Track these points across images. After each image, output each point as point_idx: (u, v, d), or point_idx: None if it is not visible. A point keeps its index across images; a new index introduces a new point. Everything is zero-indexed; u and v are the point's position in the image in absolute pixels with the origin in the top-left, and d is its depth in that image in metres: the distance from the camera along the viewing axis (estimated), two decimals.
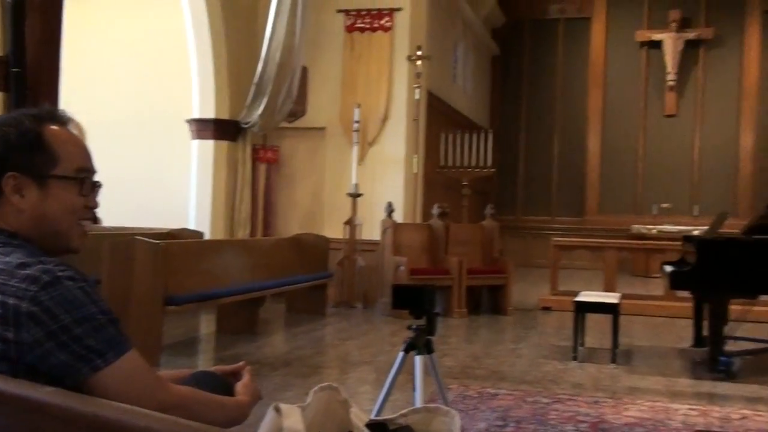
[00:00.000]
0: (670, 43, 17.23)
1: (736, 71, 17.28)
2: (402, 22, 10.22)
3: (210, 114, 9.68)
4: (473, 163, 10.93)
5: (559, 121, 18.22)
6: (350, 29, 10.28)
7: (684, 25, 17.26)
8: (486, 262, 9.43)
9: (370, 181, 9.96)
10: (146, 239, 5.92)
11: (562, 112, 18.21)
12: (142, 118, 10.71)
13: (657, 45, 17.44)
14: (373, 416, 2.12)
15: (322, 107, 10.37)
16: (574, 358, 6.27)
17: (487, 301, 9.36)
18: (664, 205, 16.04)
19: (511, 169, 18.24)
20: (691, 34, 17.18)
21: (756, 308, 6.72)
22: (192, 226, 9.49)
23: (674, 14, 17.17)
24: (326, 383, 1.88)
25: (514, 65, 18.49)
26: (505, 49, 18.36)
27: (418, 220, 10.48)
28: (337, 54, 10.33)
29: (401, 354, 3.52)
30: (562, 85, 18.24)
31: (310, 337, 7.29)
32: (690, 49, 17.30)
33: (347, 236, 9.50)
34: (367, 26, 10.22)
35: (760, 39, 17.10)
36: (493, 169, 11.19)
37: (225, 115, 9.72)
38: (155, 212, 9.94)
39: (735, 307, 6.25)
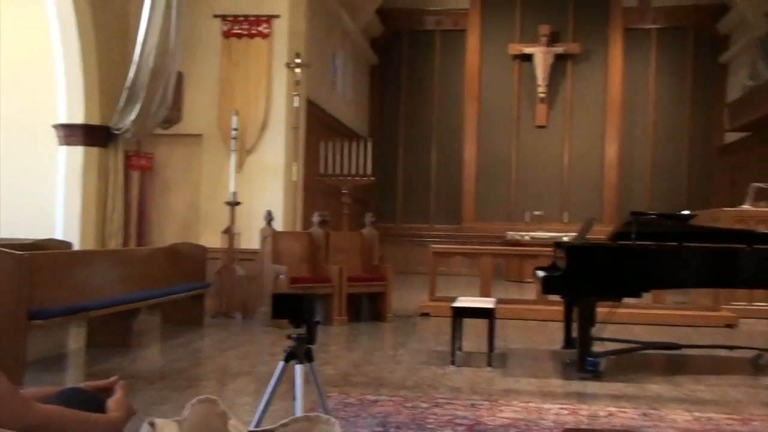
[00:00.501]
0: (541, 56, 17.97)
1: (601, 85, 18.22)
2: (280, 29, 10.16)
3: (79, 119, 9.24)
4: (353, 171, 10.99)
5: (436, 131, 18.62)
6: (227, 35, 10.13)
7: (553, 39, 18.05)
8: (366, 269, 9.49)
9: (249, 189, 9.83)
10: (8, 250, 5.59)
11: (439, 122, 18.62)
12: (3, 123, 10.12)
13: (528, 58, 18.16)
14: (252, 427, 2.08)
15: (198, 114, 10.15)
16: (452, 363, 6.40)
17: (368, 308, 9.42)
18: (537, 213, 16.71)
19: (391, 178, 18.48)
20: (559, 49, 17.99)
21: (620, 310, 7.07)
22: (60, 237, 9.04)
23: (544, 29, 17.93)
24: (204, 396, 1.83)
25: (392, 75, 18.76)
26: (383, 59, 18.60)
27: (298, 228, 10.43)
28: (214, 60, 10.16)
29: (281, 363, 3.48)
30: (439, 95, 18.66)
31: (187, 349, 7.09)
32: (559, 62, 18.11)
33: (225, 245, 9.32)
34: (245, 32, 10.10)
35: (622, 54, 18.11)
36: (372, 178, 11.29)
37: (95, 121, 9.30)
38: (19, 222, 9.40)
39: (601, 310, 6.55)
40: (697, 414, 4.88)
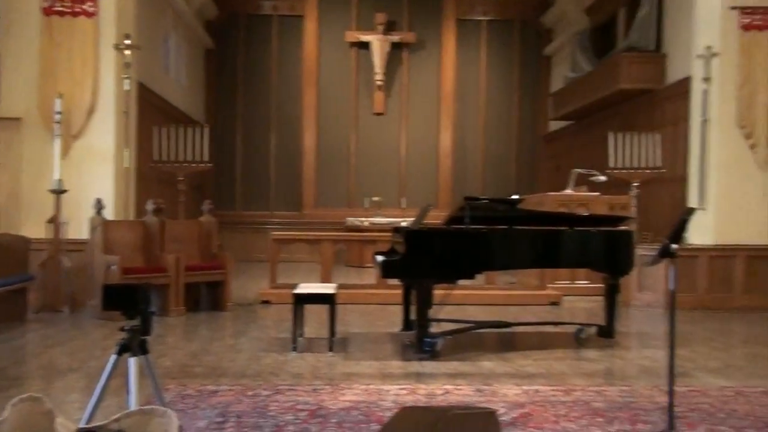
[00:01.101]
0: (377, 44, 18.22)
1: (435, 74, 18.74)
2: (107, 8, 9.66)
3: None
4: (189, 157, 10.67)
5: (275, 117, 18.44)
6: (48, 12, 9.50)
7: (390, 28, 18.35)
8: (204, 258, 9.26)
9: (76, 176, 9.31)
10: None
11: (278, 108, 18.45)
12: None
13: (366, 46, 18.35)
14: (82, 425, 1.96)
15: (16, 96, 9.47)
16: (294, 349, 6.38)
17: (207, 297, 9.20)
18: (375, 199, 16.97)
19: (229, 164, 18.12)
20: (396, 37, 18.32)
21: (455, 292, 7.33)
22: None
23: (380, 17, 18.18)
24: (26, 395, 1.71)
25: (229, 59, 18.35)
26: (219, 43, 18.16)
27: (131, 217, 10.00)
28: (34, 39, 9.50)
29: (114, 357, 3.32)
30: (277, 81, 18.47)
31: (7, 346, 6.62)
32: (396, 51, 18.44)
33: (51, 236, 8.77)
34: (68, 10, 9.51)
35: (455, 45, 18.70)
36: (210, 164, 11.01)
37: None
38: None
39: (438, 292, 6.76)
40: (525, 387, 5.16)
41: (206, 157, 10.77)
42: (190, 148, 10.68)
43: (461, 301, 8.94)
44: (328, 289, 6.80)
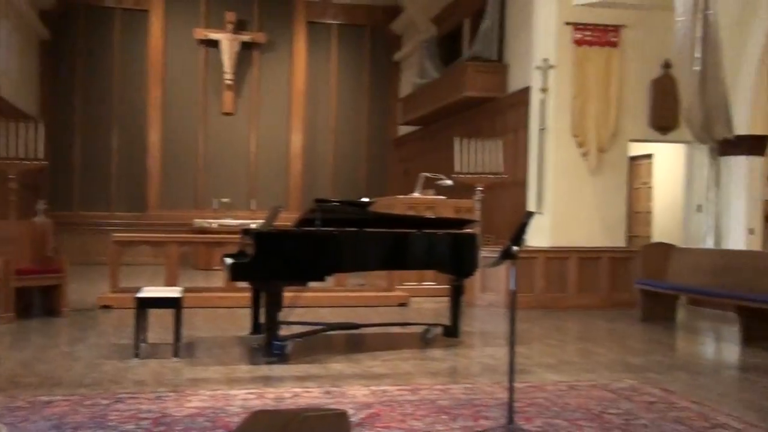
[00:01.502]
0: (227, 43, 17.89)
1: (286, 75, 18.64)
2: None
3: None
4: (21, 154, 10.00)
5: (117, 114, 17.67)
6: None
7: (240, 27, 18.07)
8: (37, 261, 8.70)
9: None
10: None
11: (120, 105, 17.69)
12: None
13: (215, 44, 17.97)
14: None
15: None
16: (136, 356, 6.13)
17: (40, 302, 8.66)
18: (224, 200, 16.63)
19: (66, 162, 17.17)
20: (245, 37, 18.06)
21: (305, 294, 7.31)
22: None
23: (230, 16, 17.87)
24: None
25: (67, 52, 17.39)
26: (56, 35, 17.16)
27: None
28: None
29: None
30: (120, 77, 17.71)
31: None
32: (246, 50, 18.18)
33: None
34: None
35: (306, 47, 18.69)
36: (44, 162, 10.38)
37: None
38: None
39: (287, 294, 6.71)
40: (373, 388, 5.22)
41: (41, 154, 10.14)
42: (23, 144, 10.02)
43: (311, 303, 8.93)
44: (173, 292, 6.58)
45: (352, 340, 7.39)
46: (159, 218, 17.21)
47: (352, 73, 19.22)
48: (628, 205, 11.78)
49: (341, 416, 2.37)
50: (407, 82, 18.28)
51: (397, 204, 10.98)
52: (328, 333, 7.39)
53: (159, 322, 7.16)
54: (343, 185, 18.78)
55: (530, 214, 4.43)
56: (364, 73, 19.28)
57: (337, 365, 6.03)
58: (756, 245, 10.28)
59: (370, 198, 7.93)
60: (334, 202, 6.85)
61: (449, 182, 10.89)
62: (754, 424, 4.45)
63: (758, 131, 10.39)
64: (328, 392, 5.07)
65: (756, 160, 10.43)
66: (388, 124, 19.39)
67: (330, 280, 8.21)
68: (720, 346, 8.05)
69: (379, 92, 19.36)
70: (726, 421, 4.50)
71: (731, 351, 7.46)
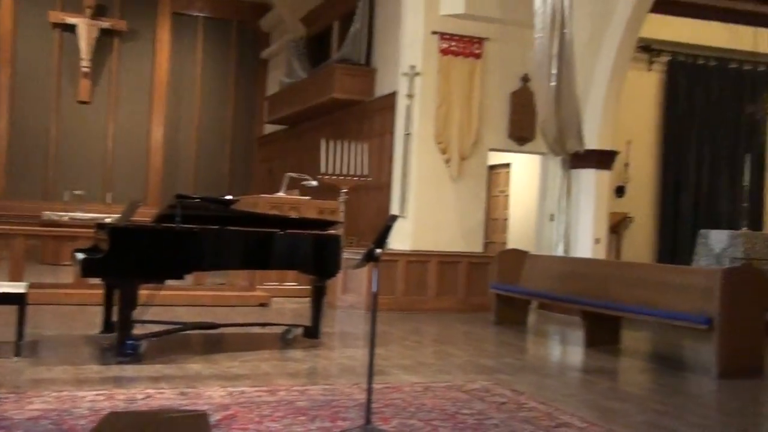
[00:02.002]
0: (85, 28, 17.09)
1: (148, 66, 18.02)
2: None
3: None
4: None
5: None
6: None
7: (99, 13, 17.31)
8: None
9: None
10: None
11: None
12: None
13: (72, 29, 17.10)
14: None
15: None
16: None
17: None
18: (77, 192, 15.82)
19: None
20: (105, 23, 17.32)
21: (162, 292, 7.07)
22: None
23: (89, 0, 17.06)
24: None
25: None
26: None
27: None
28: None
29: None
30: None
31: None
32: (105, 37, 17.43)
33: None
34: None
35: (170, 38, 18.15)
36: None
37: None
38: None
39: (143, 292, 6.48)
40: (231, 389, 5.12)
41: None
42: None
43: (168, 302, 8.63)
44: (17, 288, 6.20)
45: (209, 341, 7.23)
46: (4, 209, 16.16)
47: (218, 68, 18.84)
48: (486, 212, 12.20)
49: (201, 417, 2.30)
50: (274, 81, 18.12)
51: (261, 203, 10.85)
52: (185, 333, 7.19)
53: (1, 320, 6.73)
54: (205, 182, 18.36)
55: (394, 218, 4.49)
56: (231, 69, 18.95)
57: (194, 366, 5.88)
58: (601, 254, 10.92)
59: (233, 196, 7.79)
60: (196, 198, 6.67)
61: (314, 183, 10.88)
62: (594, 423, 4.71)
63: (607, 146, 11.05)
64: (182, 393, 4.93)
65: (604, 174, 11.09)
66: (254, 121, 19.15)
67: (188, 279, 7.98)
68: (566, 349, 8.48)
69: (246, 89, 19.09)
70: (570, 421, 4.74)
71: (576, 354, 7.87)
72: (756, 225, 12.86)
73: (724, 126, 13.63)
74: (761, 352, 6.74)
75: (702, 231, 11.19)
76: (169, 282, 6.45)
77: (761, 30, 12.84)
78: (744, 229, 10.80)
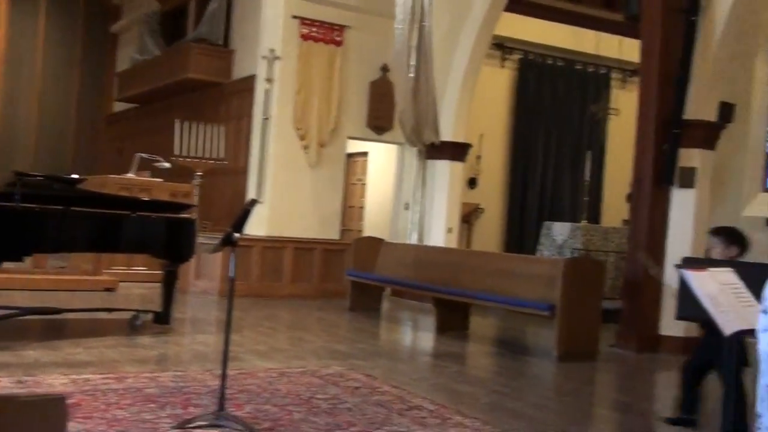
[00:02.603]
0: None
1: None
2: None
3: None
4: None
5: None
6: None
7: None
8: None
9: None
10: None
11: None
12: None
13: None
14: None
15: None
16: None
17: None
18: None
19: None
20: None
21: None
22: None
23: None
24: None
25: None
26: None
27: None
28: None
29: None
30: None
31: None
32: None
33: None
34: None
35: (8, 8, 16.94)
36: None
37: None
38: None
39: None
40: (74, 376, 4.87)
41: None
42: None
43: (4, 286, 8.11)
44: None
45: (51, 327, 6.84)
46: None
47: (63, 40, 17.80)
48: (343, 199, 12.27)
49: (58, 401, 2.16)
50: (125, 57, 17.33)
51: (109, 183, 10.36)
52: (23, 318, 6.76)
53: None
54: (46, 160, 17.29)
55: (253, 202, 4.43)
56: (77, 42, 17.94)
57: (33, 353, 5.54)
58: (453, 243, 11.26)
59: (79, 175, 7.40)
60: (38, 176, 6.29)
61: (167, 165, 10.52)
62: (444, 405, 4.85)
63: (460, 139, 11.39)
64: (20, 381, 4.64)
65: (457, 166, 11.42)
66: (102, 98, 18.25)
67: (27, 261, 7.52)
68: (418, 334, 8.70)
69: (94, 64, 18.15)
70: (421, 404, 4.86)
71: (427, 339, 8.09)
72: (595, 218, 13.69)
73: (569, 124, 14.39)
74: (597, 337, 7.20)
75: (546, 223, 11.80)
76: (6, 264, 6.04)
77: (603, 35, 13.62)
78: (584, 222, 11.46)
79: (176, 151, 10.30)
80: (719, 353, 3.85)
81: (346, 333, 7.88)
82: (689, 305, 3.51)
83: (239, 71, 12.91)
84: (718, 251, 4.57)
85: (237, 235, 4.16)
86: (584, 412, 5.31)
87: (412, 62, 10.26)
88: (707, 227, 8.23)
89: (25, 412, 1.94)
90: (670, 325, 7.53)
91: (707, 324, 3.94)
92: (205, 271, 9.91)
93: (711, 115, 7.98)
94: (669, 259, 7.57)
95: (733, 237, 4.60)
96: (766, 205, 11.37)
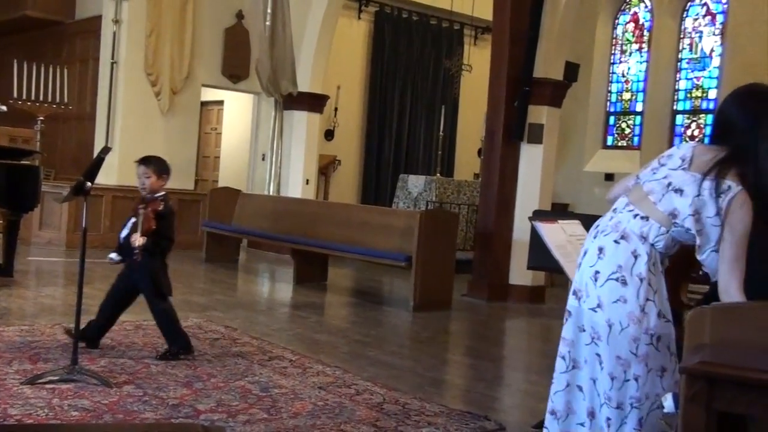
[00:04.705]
0: None
1: None
2: None
3: None
4: None
5: None
6: None
7: None
8: None
9: None
10: None
11: None
12: None
13: None
14: None
15: None
16: None
17: None
18: None
19: None
20: None
21: None
22: None
23: None
24: None
25: None
26: None
27: None
28: None
29: None
30: None
31: None
32: None
33: None
34: None
35: None
36: None
37: None
38: None
39: None
40: None
41: None
42: None
43: None
44: None
45: None
46: None
47: None
48: (197, 148, 11.93)
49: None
50: None
51: None
52: None
53: None
54: None
55: (107, 149, 4.24)
56: None
57: None
58: (310, 194, 11.28)
59: None
60: None
61: (4, 108, 9.78)
62: (305, 355, 4.92)
63: (318, 90, 11.34)
64: None
65: (315, 117, 11.39)
66: None
67: None
68: (276, 286, 8.70)
69: None
70: (282, 354, 4.90)
71: (286, 290, 8.11)
72: (448, 171, 14.08)
73: (425, 78, 14.61)
74: (450, 287, 7.48)
75: (402, 175, 12.03)
76: None
77: None
78: (437, 175, 11.78)
79: (15, 94, 9.62)
80: None
81: (203, 285, 7.76)
82: (539, 255, 3.72)
83: (83, 11, 12.13)
84: (153, 180, 4.53)
85: (89, 184, 3.98)
86: (440, 359, 5.54)
87: (268, 10, 10.05)
88: (553, 181, 8.74)
89: None
90: (519, 275, 7.95)
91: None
92: (50, 221, 9.41)
93: (558, 74, 8.37)
94: (518, 212, 7.96)
95: (164, 166, 4.58)
96: (605, 161, 12.15)
